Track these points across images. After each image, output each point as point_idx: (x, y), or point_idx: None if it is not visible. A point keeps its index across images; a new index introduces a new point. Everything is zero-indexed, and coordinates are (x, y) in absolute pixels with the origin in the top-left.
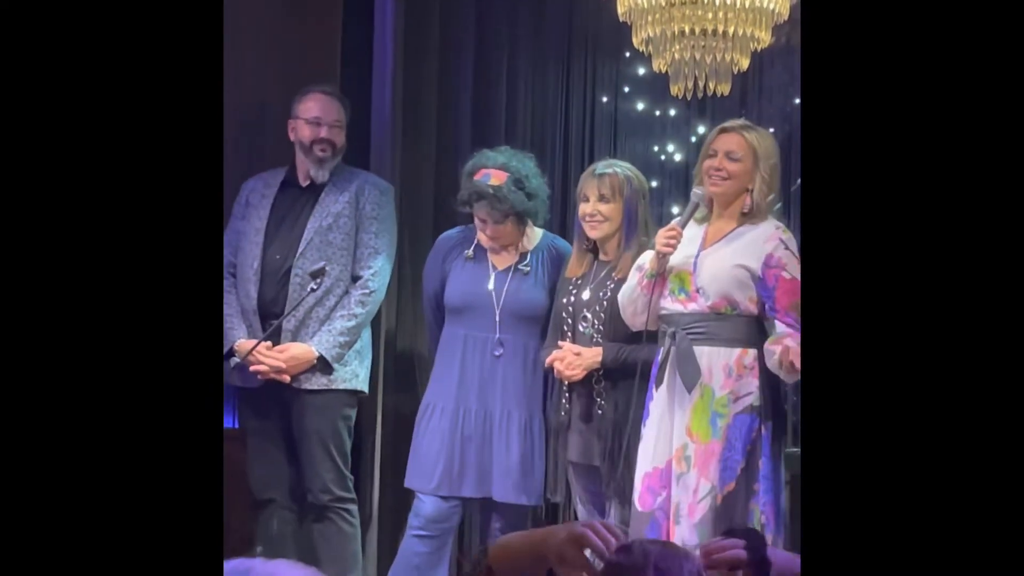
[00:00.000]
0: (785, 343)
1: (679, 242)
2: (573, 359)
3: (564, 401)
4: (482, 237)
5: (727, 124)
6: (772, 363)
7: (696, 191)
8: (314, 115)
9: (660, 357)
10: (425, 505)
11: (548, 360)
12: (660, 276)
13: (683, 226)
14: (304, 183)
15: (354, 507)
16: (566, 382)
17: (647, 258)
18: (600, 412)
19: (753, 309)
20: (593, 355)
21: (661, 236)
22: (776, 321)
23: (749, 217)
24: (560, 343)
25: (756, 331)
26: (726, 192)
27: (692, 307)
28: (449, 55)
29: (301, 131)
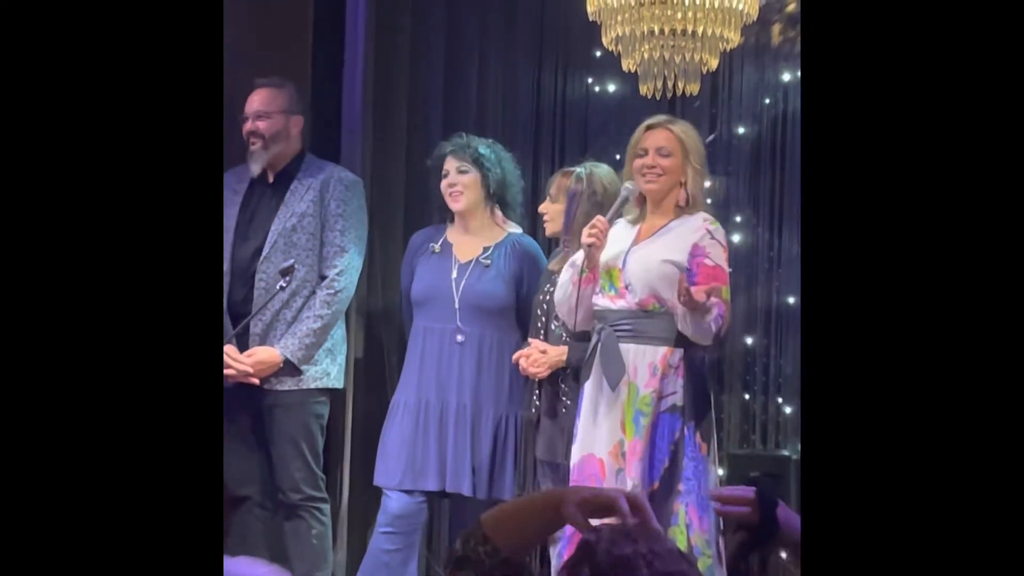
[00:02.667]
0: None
1: (604, 234)
2: (538, 356)
3: (534, 398)
4: (443, 187)
5: (652, 121)
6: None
7: (627, 185)
8: (244, 112)
9: (588, 353)
10: (392, 502)
11: (515, 357)
12: (591, 271)
13: (611, 219)
14: (271, 179)
15: (325, 506)
16: (536, 379)
17: (582, 255)
18: (564, 410)
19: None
20: (558, 353)
21: (586, 229)
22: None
23: (685, 210)
24: (529, 340)
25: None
26: (661, 188)
27: (620, 304)
28: (420, 51)
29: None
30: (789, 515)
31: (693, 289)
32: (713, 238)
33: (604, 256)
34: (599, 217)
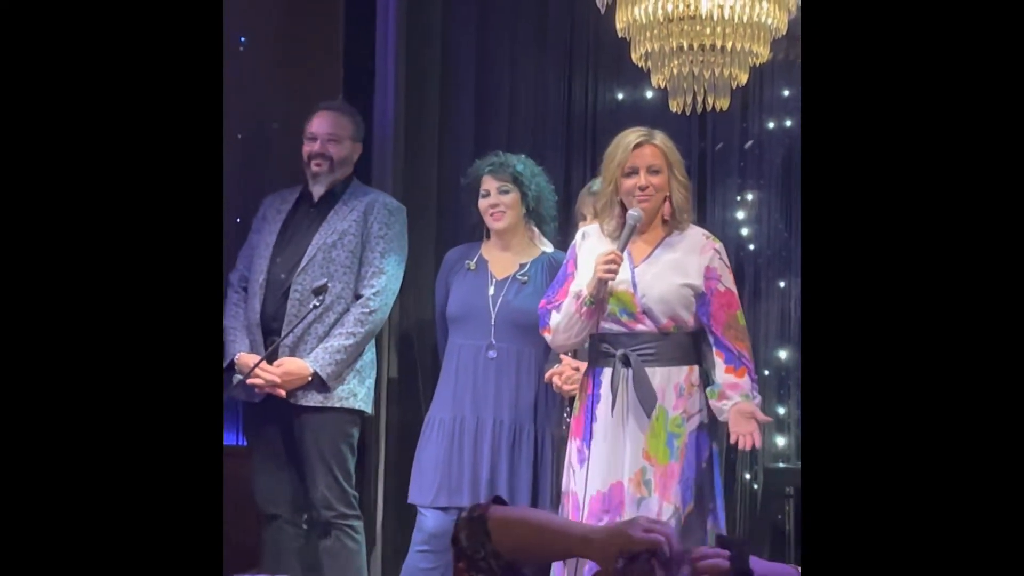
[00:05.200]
0: (732, 406)
1: (619, 267)
2: (571, 374)
3: (565, 415)
4: (483, 207)
5: (636, 138)
6: (731, 426)
7: (632, 213)
8: (311, 131)
9: (609, 380)
10: (427, 520)
11: (547, 375)
12: (599, 302)
13: (622, 250)
14: (315, 199)
15: (358, 523)
16: (567, 397)
17: (583, 284)
18: None
19: (694, 324)
20: None
21: (601, 262)
22: (714, 347)
23: (672, 224)
24: (561, 356)
25: (699, 346)
26: (654, 207)
27: (639, 328)
28: (450, 74)
29: (303, 149)
30: (766, 566)
31: (755, 426)
32: (721, 259)
33: None
34: (614, 251)
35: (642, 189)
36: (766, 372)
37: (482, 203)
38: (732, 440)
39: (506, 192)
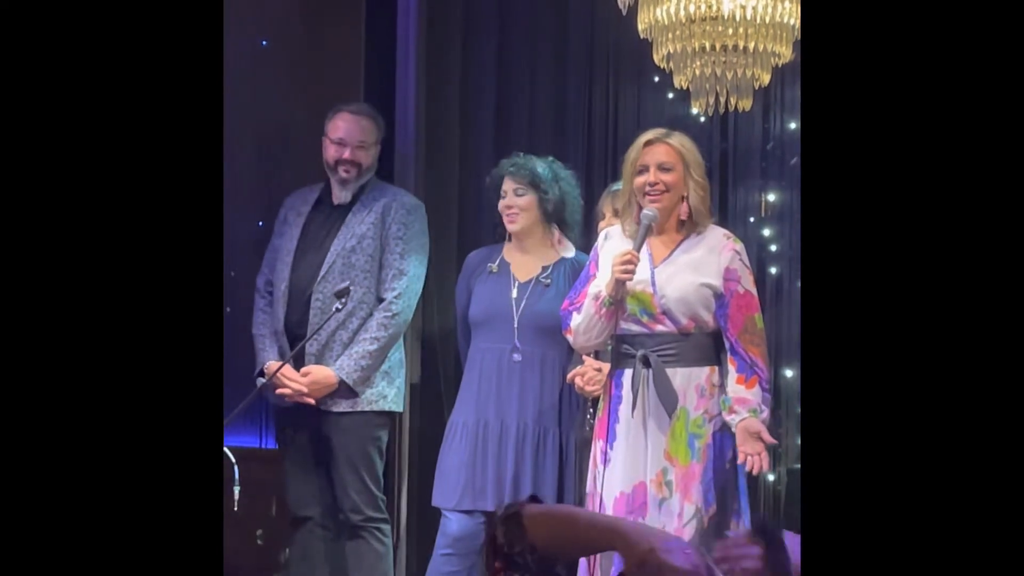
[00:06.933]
0: (739, 422)
1: (636, 267)
2: (594, 375)
3: (588, 416)
4: (500, 208)
5: (650, 136)
6: (739, 444)
7: (647, 212)
8: (339, 136)
9: (630, 381)
10: (451, 523)
11: (569, 376)
12: (619, 302)
13: (638, 249)
14: (335, 202)
15: (386, 526)
16: (589, 398)
17: (602, 285)
18: None
19: (714, 324)
20: None
21: (618, 262)
22: (728, 353)
23: (691, 225)
24: (584, 357)
25: (719, 346)
26: (666, 206)
27: (659, 328)
28: (471, 76)
29: (327, 151)
30: (793, 541)
31: (762, 447)
32: (741, 260)
33: None
34: (631, 251)
35: (651, 185)
36: (788, 373)
37: (500, 204)
38: (740, 460)
39: (521, 195)
